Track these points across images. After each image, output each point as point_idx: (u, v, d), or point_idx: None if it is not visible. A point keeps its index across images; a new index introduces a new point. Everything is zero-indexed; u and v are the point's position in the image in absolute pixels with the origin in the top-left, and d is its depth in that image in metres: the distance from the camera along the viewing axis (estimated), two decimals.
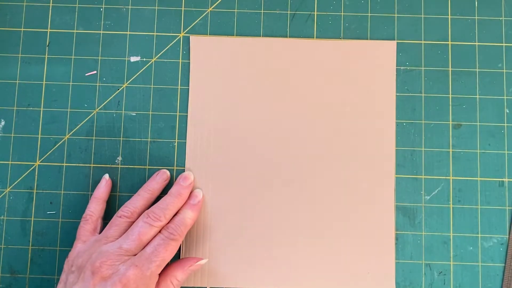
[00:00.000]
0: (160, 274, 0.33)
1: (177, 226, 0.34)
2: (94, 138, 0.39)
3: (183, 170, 0.39)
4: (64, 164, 0.39)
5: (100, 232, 0.35)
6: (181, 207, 0.36)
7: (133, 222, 0.34)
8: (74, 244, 0.34)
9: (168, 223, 0.34)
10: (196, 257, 0.36)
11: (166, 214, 0.34)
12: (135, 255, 0.32)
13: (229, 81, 0.39)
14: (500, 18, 0.40)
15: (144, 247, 0.32)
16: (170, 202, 0.35)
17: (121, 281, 0.30)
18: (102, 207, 0.37)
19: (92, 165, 0.39)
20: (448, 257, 0.38)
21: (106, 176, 0.38)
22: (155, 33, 0.40)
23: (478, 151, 0.39)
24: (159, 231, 0.34)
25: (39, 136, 0.39)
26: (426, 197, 0.38)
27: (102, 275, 0.30)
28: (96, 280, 0.30)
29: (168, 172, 0.38)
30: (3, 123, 0.39)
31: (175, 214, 0.35)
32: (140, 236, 0.32)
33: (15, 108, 0.40)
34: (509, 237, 0.37)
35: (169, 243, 0.33)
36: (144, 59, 0.40)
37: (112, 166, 0.39)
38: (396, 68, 0.39)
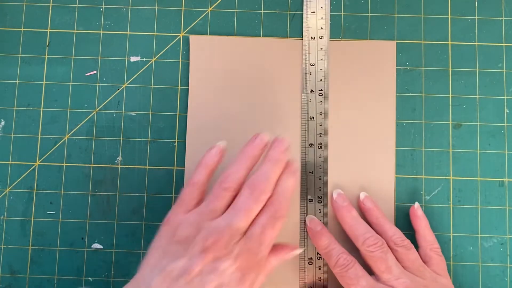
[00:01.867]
0: None
1: (281, 202, 0.31)
2: (94, 138, 0.39)
3: (183, 170, 0.39)
4: (64, 164, 0.39)
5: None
6: (280, 177, 0.32)
7: (236, 193, 0.31)
8: (174, 209, 0.32)
9: (271, 195, 0.32)
10: (290, 246, 0.33)
11: (270, 185, 0.31)
12: (245, 232, 0.30)
13: (229, 81, 0.39)
14: (500, 18, 0.40)
15: (252, 223, 0.30)
16: (271, 171, 0.32)
17: (235, 263, 0.29)
18: (210, 175, 0.33)
19: (92, 165, 0.39)
20: (448, 257, 0.38)
21: (221, 144, 0.34)
22: (155, 33, 0.40)
23: (478, 151, 0.39)
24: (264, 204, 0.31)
25: (39, 136, 0.39)
26: (426, 197, 0.38)
27: (214, 255, 0.28)
28: (207, 259, 0.28)
29: (267, 137, 0.33)
30: (3, 123, 0.39)
31: (276, 185, 0.32)
32: (248, 213, 0.30)
33: (15, 108, 0.40)
34: None
35: (276, 223, 0.30)
36: (144, 59, 0.40)
37: (112, 166, 0.39)
38: (396, 68, 0.39)
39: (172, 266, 0.28)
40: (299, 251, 0.34)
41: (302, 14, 0.40)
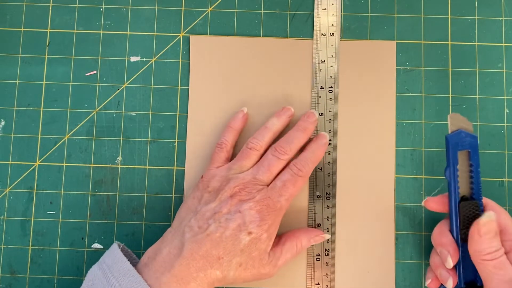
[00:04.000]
0: (287, 236, 0.36)
1: (305, 163, 0.35)
2: (94, 138, 0.39)
3: (183, 170, 0.39)
4: (64, 164, 0.39)
5: (230, 160, 0.37)
6: (309, 145, 0.37)
7: (262, 153, 0.36)
8: (209, 167, 0.36)
9: (296, 158, 0.36)
10: (320, 230, 0.37)
11: (292, 148, 0.35)
12: (268, 185, 0.34)
13: (229, 81, 0.39)
14: (500, 18, 0.40)
15: (274, 178, 0.35)
16: (296, 136, 0.36)
17: (256, 206, 0.33)
18: (236, 137, 0.38)
19: (92, 165, 0.39)
20: None
21: (244, 109, 0.38)
22: (155, 33, 0.40)
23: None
24: (287, 164, 0.36)
25: (39, 136, 0.39)
26: (426, 197, 0.38)
27: (240, 198, 0.33)
28: (234, 202, 0.33)
29: (292, 109, 0.38)
30: (3, 123, 0.39)
31: (304, 151, 0.36)
32: (270, 168, 0.35)
33: (15, 108, 0.40)
34: None
35: (297, 180, 0.35)
36: (144, 59, 0.40)
37: (112, 166, 0.39)
38: (396, 68, 0.39)
39: (205, 208, 0.33)
40: (328, 236, 0.37)
41: (302, 14, 0.40)
